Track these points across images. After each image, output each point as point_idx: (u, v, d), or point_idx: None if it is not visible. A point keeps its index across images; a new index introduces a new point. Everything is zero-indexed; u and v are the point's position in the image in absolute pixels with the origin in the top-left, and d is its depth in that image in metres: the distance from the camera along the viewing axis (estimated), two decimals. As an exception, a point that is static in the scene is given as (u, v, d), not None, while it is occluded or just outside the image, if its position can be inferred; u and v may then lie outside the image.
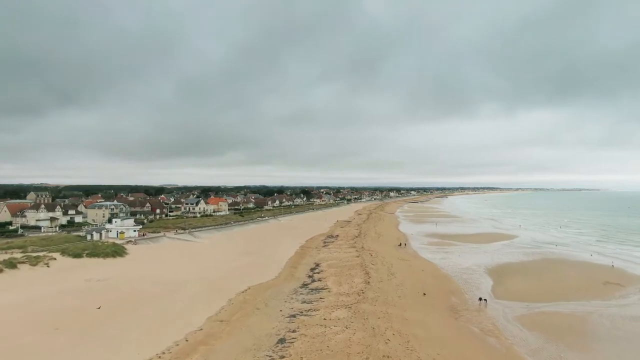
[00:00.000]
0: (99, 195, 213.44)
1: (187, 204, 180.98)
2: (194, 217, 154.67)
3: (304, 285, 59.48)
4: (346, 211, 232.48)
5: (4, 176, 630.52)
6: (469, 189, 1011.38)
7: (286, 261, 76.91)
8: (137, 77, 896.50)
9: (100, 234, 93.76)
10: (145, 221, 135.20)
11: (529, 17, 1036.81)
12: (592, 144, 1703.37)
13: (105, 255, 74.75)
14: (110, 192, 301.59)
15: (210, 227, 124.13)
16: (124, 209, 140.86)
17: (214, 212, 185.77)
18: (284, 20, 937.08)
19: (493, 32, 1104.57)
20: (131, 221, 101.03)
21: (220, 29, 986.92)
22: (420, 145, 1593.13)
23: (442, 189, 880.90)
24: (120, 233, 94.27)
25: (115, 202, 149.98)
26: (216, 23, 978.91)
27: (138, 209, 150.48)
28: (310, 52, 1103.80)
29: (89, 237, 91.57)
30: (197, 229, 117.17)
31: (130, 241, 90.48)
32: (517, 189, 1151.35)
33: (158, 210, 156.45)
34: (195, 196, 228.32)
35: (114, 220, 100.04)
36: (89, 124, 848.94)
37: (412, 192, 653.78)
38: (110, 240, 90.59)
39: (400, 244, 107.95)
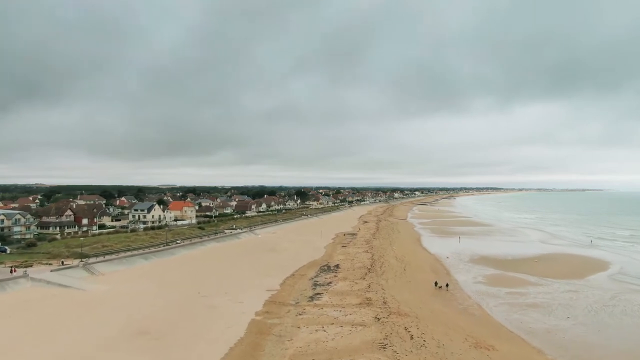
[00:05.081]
0: (30, 197, 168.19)
1: (136, 210, 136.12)
2: (134, 230, 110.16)
3: None
4: (348, 218, 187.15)
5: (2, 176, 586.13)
6: (472, 189, 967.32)
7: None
8: (105, 70, 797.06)
9: None
10: (56, 238, 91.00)
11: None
12: (593, 142, 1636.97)
13: None
14: (78, 193, 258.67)
15: (135, 252, 79.18)
16: (25, 220, 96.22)
17: (175, 220, 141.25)
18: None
19: (485, 19, 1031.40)
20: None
21: (175, 11, 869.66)
22: (419, 144, 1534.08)
23: (446, 189, 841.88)
24: None
25: (10, 210, 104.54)
26: (168, 3, 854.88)
27: (52, 219, 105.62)
28: (285, 41, 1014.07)
29: None
30: (109, 256, 72.61)
31: None
32: (520, 190, 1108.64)
33: (86, 221, 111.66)
34: (166, 198, 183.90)
35: None
36: (72, 122, 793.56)
37: (417, 192, 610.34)
38: None
39: (439, 284, 62.92)
